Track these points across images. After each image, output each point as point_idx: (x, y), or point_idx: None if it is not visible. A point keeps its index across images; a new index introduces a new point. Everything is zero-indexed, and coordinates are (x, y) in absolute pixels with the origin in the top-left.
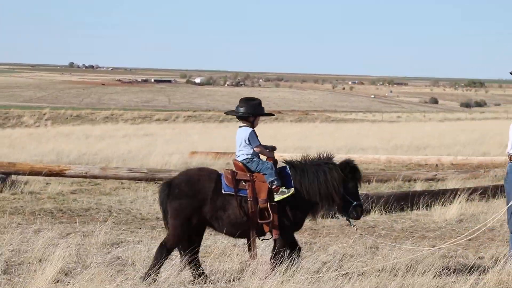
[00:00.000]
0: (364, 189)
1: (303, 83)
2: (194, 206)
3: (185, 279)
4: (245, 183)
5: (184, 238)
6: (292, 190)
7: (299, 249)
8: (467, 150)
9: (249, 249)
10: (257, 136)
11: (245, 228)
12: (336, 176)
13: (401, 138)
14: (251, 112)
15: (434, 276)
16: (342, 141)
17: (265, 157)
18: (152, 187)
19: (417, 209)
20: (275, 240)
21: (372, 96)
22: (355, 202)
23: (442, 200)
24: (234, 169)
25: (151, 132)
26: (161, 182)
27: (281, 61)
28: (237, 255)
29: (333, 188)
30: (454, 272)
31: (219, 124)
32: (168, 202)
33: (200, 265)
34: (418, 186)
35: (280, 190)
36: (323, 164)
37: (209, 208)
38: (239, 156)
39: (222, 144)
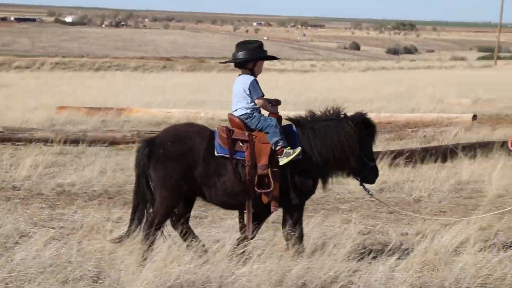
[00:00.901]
0: None
1: (198, 24)
2: (184, 170)
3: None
4: (243, 143)
5: (173, 210)
6: (298, 150)
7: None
8: (393, 106)
9: (241, 224)
10: (259, 86)
11: (242, 198)
12: (352, 134)
13: (315, 91)
14: (249, 56)
15: (348, 257)
16: None
17: (267, 113)
18: (9, 149)
19: None
20: (285, 215)
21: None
22: (370, 164)
23: None
24: (229, 126)
25: (8, 82)
26: (19, 143)
27: None
28: (111, 231)
29: (348, 148)
30: (371, 251)
31: (94, 74)
32: (151, 165)
33: (195, 236)
34: None
35: (285, 151)
36: (334, 119)
37: (201, 172)
38: (236, 110)
39: (97, 98)
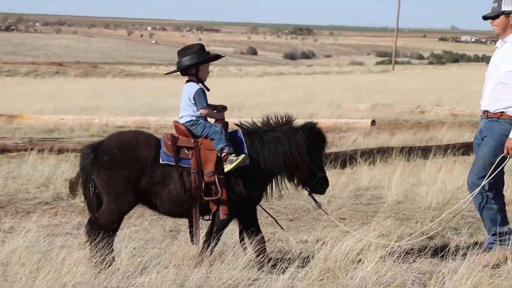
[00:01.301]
0: None
1: (91, 28)
2: (129, 179)
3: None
4: (188, 151)
5: (119, 217)
6: (242, 157)
7: (260, 233)
8: (290, 111)
9: (191, 233)
10: (205, 95)
11: (188, 206)
12: (301, 143)
13: (212, 96)
14: (188, 62)
15: (248, 266)
16: (138, 100)
17: (213, 120)
18: None
19: None
20: (215, 219)
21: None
22: (320, 174)
23: None
24: (175, 133)
25: None
26: None
27: (63, 0)
28: (2, 241)
29: (298, 157)
30: (271, 259)
31: None
32: (94, 172)
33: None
34: None
35: (229, 158)
36: (284, 128)
37: (147, 181)
38: (181, 117)
39: None
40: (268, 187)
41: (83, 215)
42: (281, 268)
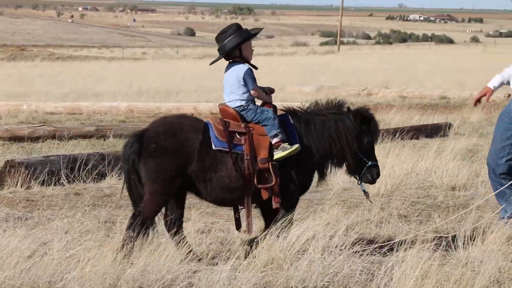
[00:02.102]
0: (98, 147)
1: (18, 9)
2: (178, 165)
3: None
4: (240, 136)
5: (163, 206)
6: (295, 147)
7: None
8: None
9: (237, 221)
10: (254, 75)
11: (240, 194)
12: (350, 128)
13: (148, 80)
14: (230, 45)
15: (187, 257)
16: (69, 84)
17: (259, 102)
18: None
19: None
20: (274, 211)
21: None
22: (370, 163)
23: None
24: (222, 117)
25: None
26: None
27: None
28: None
29: (346, 143)
30: (210, 251)
31: None
32: (142, 161)
33: (186, 240)
34: None
35: (282, 145)
36: (333, 113)
37: (196, 167)
38: (230, 101)
39: None
40: (319, 172)
41: (11, 206)
42: (223, 260)
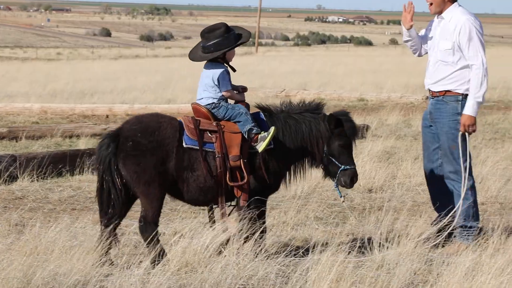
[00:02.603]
0: (10, 149)
1: None
2: (157, 163)
3: None
4: (211, 134)
5: (161, 202)
6: (273, 129)
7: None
8: (147, 97)
9: (211, 219)
10: (229, 77)
11: (214, 193)
12: (322, 131)
13: (62, 81)
14: (215, 49)
15: (100, 261)
16: None
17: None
18: None
19: (80, 173)
20: (241, 209)
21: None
22: (343, 166)
23: None
24: (194, 116)
25: None
26: None
27: None
28: None
29: (316, 146)
30: (124, 254)
31: None
32: (120, 161)
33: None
34: (83, 144)
35: (260, 136)
36: (308, 114)
37: (175, 165)
38: (201, 99)
39: None
40: (288, 173)
41: None
42: (136, 263)
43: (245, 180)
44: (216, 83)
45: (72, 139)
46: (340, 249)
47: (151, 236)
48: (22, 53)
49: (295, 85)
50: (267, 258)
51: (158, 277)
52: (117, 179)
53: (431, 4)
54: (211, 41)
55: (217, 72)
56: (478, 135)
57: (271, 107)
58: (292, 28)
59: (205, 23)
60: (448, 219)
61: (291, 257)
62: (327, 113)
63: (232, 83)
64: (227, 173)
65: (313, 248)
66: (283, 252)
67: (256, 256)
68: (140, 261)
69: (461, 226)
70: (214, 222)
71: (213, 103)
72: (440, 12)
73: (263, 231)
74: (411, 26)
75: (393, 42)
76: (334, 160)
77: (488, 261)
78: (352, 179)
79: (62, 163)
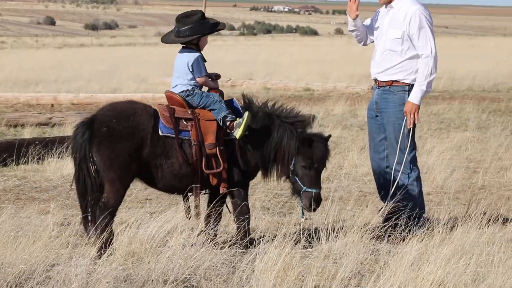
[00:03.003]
0: None
1: None
2: (132, 149)
3: None
4: (187, 122)
5: (125, 191)
6: (246, 114)
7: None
8: (93, 86)
9: (187, 208)
10: (204, 64)
11: (189, 180)
12: (291, 149)
13: (6, 70)
14: (190, 33)
15: (45, 250)
16: None
17: (207, 89)
18: None
19: (25, 163)
20: (231, 196)
21: None
22: (304, 188)
23: (59, 150)
24: (169, 104)
25: None
26: None
27: None
28: None
29: (282, 157)
30: (69, 244)
31: None
32: (94, 148)
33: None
34: (28, 133)
35: (235, 123)
36: (287, 123)
37: (149, 151)
38: (175, 86)
39: None
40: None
41: None
42: (82, 252)
43: (221, 168)
44: (191, 69)
45: (17, 128)
46: (287, 239)
47: (105, 224)
48: None
49: (241, 75)
50: (213, 248)
51: (104, 267)
52: (92, 167)
53: None
54: (186, 25)
55: (191, 58)
56: (424, 125)
57: (253, 100)
58: (237, 18)
59: (151, 12)
60: (391, 209)
61: (238, 247)
62: (307, 130)
63: None
64: (203, 160)
65: (260, 238)
66: (230, 241)
67: (203, 246)
68: (86, 252)
69: (408, 217)
70: (189, 211)
71: (187, 90)
72: (388, 2)
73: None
74: (357, 16)
75: (339, 32)
76: (297, 179)
77: (434, 250)
78: (311, 203)
79: (7, 152)
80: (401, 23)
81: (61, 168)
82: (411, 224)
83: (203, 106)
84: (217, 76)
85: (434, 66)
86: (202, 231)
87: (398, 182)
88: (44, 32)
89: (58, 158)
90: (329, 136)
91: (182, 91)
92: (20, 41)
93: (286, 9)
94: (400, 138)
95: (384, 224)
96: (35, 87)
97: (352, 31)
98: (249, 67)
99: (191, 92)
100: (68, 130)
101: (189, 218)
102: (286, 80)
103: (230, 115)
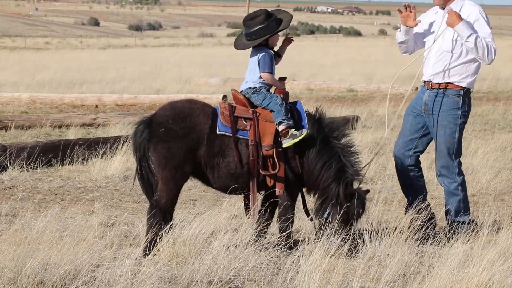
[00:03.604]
0: None
1: None
2: (188, 150)
3: None
4: (246, 121)
5: (178, 192)
6: (304, 132)
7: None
8: (136, 87)
9: (246, 207)
10: (272, 61)
11: (245, 180)
12: (335, 191)
13: (51, 71)
14: (257, 36)
15: (90, 251)
16: None
17: (273, 89)
18: None
19: (70, 163)
20: (278, 198)
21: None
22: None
23: (103, 151)
24: (233, 102)
25: None
26: None
27: None
28: None
29: (325, 193)
30: (114, 244)
31: None
32: (151, 147)
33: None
34: (72, 134)
35: (290, 133)
36: (346, 162)
37: (205, 151)
38: (246, 82)
39: None
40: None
41: None
42: (127, 253)
43: (277, 170)
44: (258, 64)
45: (62, 129)
46: (330, 240)
47: (155, 223)
48: (11, 42)
49: (284, 75)
50: (258, 249)
51: (149, 268)
52: (152, 164)
53: None
54: (253, 28)
55: (260, 54)
56: (469, 126)
57: (323, 118)
58: None
59: (194, 13)
60: (423, 209)
61: (281, 248)
62: (355, 180)
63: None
64: (259, 161)
65: (304, 240)
66: (274, 243)
67: (246, 247)
68: (132, 252)
69: (453, 221)
70: (248, 211)
71: (254, 87)
72: (443, 5)
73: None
74: (417, 24)
75: (382, 32)
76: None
77: (479, 253)
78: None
79: (52, 153)
80: None
81: (105, 168)
82: (456, 227)
83: (265, 107)
84: (283, 78)
85: (489, 50)
86: (254, 230)
87: (445, 187)
88: (89, 33)
89: (102, 158)
90: (368, 191)
91: (249, 88)
92: (65, 42)
93: (329, 10)
94: (450, 143)
95: (426, 223)
96: (80, 87)
97: (403, 42)
98: (292, 67)
99: (258, 90)
100: (112, 131)
101: (248, 218)
102: (329, 81)
103: (286, 121)
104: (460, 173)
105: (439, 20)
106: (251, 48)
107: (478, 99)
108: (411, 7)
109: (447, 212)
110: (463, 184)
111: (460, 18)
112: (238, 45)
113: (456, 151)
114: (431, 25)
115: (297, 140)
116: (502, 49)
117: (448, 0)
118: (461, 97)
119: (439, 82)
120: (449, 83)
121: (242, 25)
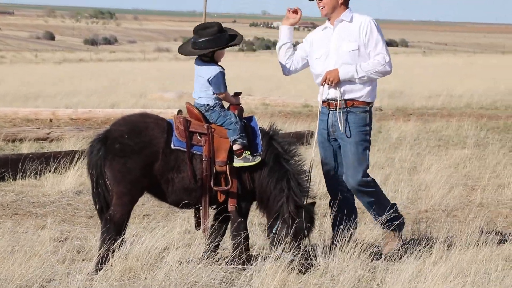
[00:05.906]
0: None
1: None
2: (143, 165)
3: None
4: (201, 137)
5: (132, 207)
6: (258, 159)
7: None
8: (92, 101)
9: (197, 222)
10: (224, 78)
11: (198, 195)
12: (284, 207)
13: (6, 85)
14: (206, 46)
15: (42, 266)
16: None
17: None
18: None
19: (23, 178)
20: (230, 214)
21: None
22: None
23: (56, 165)
24: (187, 116)
25: None
26: None
27: None
28: None
29: (273, 210)
30: (66, 259)
31: None
32: (107, 163)
33: None
34: (26, 148)
35: (244, 155)
36: (292, 179)
37: (160, 166)
38: (199, 98)
39: None
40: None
41: None
42: (79, 268)
43: (229, 186)
44: (210, 84)
45: (15, 143)
46: (283, 255)
47: (109, 238)
48: None
49: (240, 90)
50: (210, 265)
51: (101, 283)
52: (107, 181)
53: (323, 7)
54: (202, 38)
55: (213, 73)
56: (422, 142)
57: (276, 138)
58: None
59: (150, 28)
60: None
61: (235, 264)
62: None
63: None
64: (211, 177)
65: (257, 255)
66: (227, 258)
67: (200, 263)
68: (84, 267)
69: (387, 222)
70: (199, 226)
71: (208, 105)
72: (331, 15)
73: (247, 243)
74: (296, 22)
75: None
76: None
77: (431, 268)
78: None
79: (5, 167)
80: (356, 35)
81: (59, 183)
82: (392, 225)
83: (220, 124)
84: (237, 93)
85: (381, 71)
86: (206, 244)
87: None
88: (44, 47)
89: (56, 172)
90: (314, 203)
91: (203, 105)
92: (20, 56)
93: None
94: (363, 160)
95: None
96: (34, 101)
97: (284, 44)
98: (248, 82)
99: (211, 108)
100: (66, 145)
101: (200, 231)
102: (284, 96)
103: (241, 140)
104: (374, 184)
105: (330, 34)
106: (196, 56)
107: (432, 115)
108: (297, 10)
109: (375, 218)
110: (374, 182)
111: (335, 69)
112: (183, 51)
113: (365, 163)
114: (322, 41)
115: (248, 164)
116: (456, 66)
117: (334, 11)
118: (368, 113)
119: (344, 99)
120: (355, 100)
121: (192, 32)
